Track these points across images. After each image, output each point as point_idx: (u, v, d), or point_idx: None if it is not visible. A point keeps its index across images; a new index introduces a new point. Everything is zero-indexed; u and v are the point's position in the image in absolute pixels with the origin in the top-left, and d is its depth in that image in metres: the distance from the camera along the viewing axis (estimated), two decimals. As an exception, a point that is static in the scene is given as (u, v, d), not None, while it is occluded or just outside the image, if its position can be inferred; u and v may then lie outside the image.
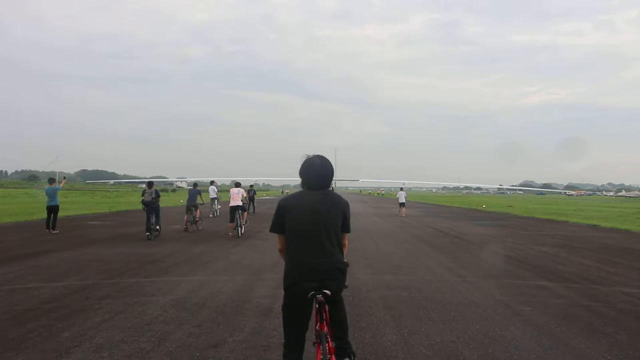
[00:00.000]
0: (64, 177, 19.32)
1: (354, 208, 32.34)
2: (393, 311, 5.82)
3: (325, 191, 3.20)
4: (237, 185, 15.46)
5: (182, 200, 37.49)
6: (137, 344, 4.47)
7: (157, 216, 13.58)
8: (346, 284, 3.19)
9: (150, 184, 14.41)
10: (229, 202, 14.68)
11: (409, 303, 6.25)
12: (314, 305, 3.08)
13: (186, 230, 15.30)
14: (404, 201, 26.79)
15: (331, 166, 3.26)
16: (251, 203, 26.02)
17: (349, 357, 3.18)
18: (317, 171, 3.19)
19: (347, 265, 3.17)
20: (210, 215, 23.08)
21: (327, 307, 3.07)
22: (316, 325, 3.16)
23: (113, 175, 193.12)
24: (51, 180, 15.61)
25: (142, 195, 13.90)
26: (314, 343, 3.22)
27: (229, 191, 16.27)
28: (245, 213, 15.04)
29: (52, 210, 14.54)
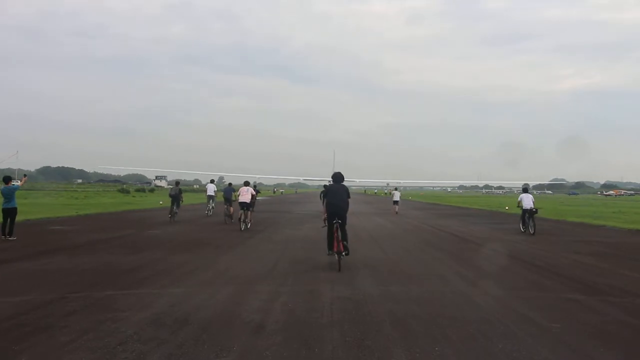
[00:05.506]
0: (25, 175, 19.19)
1: (355, 209, 33.12)
2: (402, 328, 5.84)
3: (340, 184, 11.13)
4: (247, 183, 19.99)
5: (162, 201, 37.78)
6: (108, 367, 4.48)
7: (179, 205, 22.89)
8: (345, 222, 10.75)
9: (177, 183, 24.80)
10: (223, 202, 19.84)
11: (421, 318, 6.27)
12: (335, 226, 10.47)
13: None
14: (398, 199, 34.19)
15: (342, 175, 11.36)
16: None
17: (346, 245, 10.30)
18: (335, 177, 11.36)
19: (346, 210, 10.78)
20: (206, 212, 26.12)
21: (339, 227, 10.45)
22: (335, 234, 10.39)
23: (81, 173, 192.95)
24: (7, 179, 15.38)
25: (170, 190, 23.61)
26: (327, 254, 10.73)
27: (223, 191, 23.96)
28: (250, 212, 18.99)
29: (9, 213, 14.45)
